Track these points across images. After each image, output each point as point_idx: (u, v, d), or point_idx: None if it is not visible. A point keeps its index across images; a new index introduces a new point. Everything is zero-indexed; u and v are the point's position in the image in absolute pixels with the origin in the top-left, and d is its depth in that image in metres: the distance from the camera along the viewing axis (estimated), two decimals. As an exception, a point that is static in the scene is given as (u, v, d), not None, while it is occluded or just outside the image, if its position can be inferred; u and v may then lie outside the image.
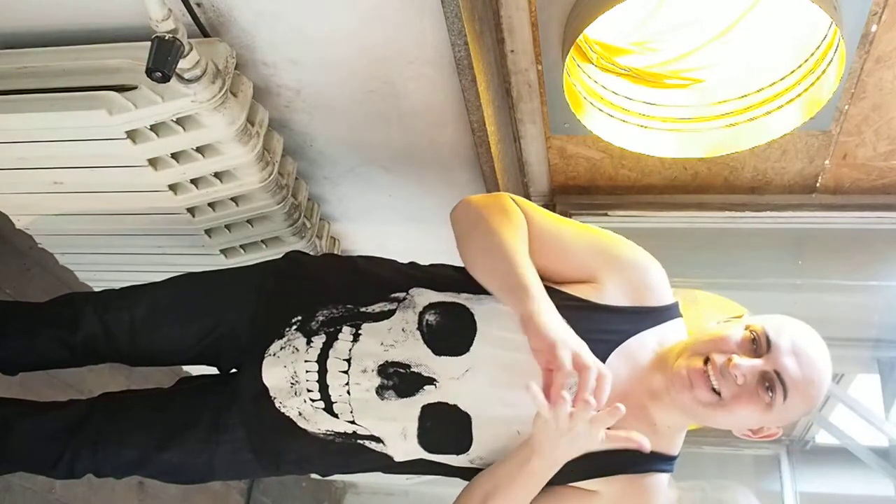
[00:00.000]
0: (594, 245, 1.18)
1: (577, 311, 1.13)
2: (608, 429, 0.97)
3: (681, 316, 1.18)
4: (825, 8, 1.20)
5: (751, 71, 1.53)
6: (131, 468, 1.28)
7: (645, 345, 1.13)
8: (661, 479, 1.14)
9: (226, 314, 1.27)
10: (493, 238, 1.09)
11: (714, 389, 1.05)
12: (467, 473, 1.18)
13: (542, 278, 1.18)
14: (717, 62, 1.54)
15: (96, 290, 1.91)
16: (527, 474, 1.05)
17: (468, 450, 1.13)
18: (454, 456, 1.15)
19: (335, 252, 2.00)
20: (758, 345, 1.04)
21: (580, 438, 0.97)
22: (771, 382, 1.02)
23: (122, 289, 1.36)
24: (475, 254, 1.12)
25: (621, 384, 1.11)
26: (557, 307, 1.13)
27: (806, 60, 1.45)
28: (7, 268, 1.98)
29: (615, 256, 1.17)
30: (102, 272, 1.86)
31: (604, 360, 1.11)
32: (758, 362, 1.03)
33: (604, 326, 1.12)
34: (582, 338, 1.11)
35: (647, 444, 0.97)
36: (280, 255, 1.37)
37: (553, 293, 1.16)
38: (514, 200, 1.18)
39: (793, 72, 1.48)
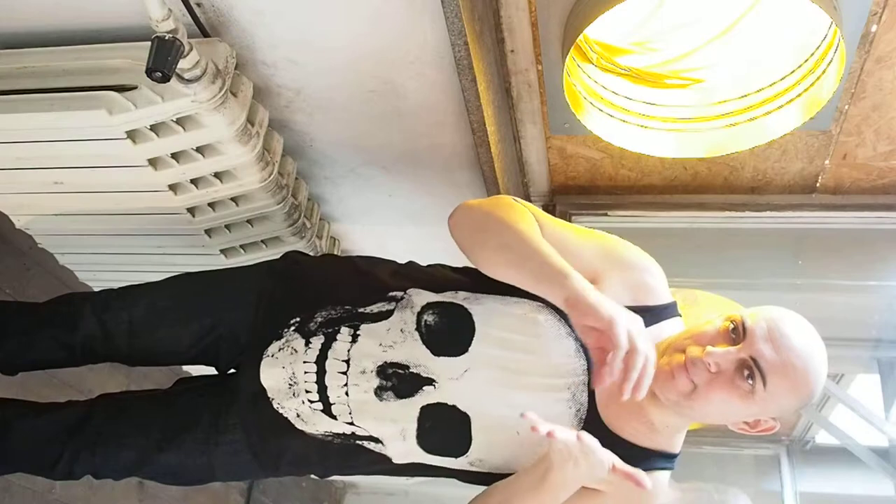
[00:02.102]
0: (596, 246, 1.18)
1: None
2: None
3: (679, 315, 1.18)
4: (825, 8, 1.20)
5: (751, 71, 1.53)
6: (130, 469, 1.28)
7: None
8: (661, 477, 1.14)
9: (225, 314, 1.27)
10: (508, 232, 1.08)
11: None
12: (467, 476, 1.18)
13: None
14: (717, 62, 1.54)
15: (96, 290, 1.91)
16: (543, 488, 1.05)
17: (467, 451, 1.13)
18: (453, 459, 1.15)
19: (335, 252, 2.00)
20: (736, 334, 1.04)
21: (595, 466, 0.98)
22: (749, 370, 1.01)
23: (121, 288, 1.36)
24: (492, 251, 1.10)
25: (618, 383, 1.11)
26: (557, 308, 1.13)
27: (806, 60, 1.45)
28: (7, 268, 1.98)
29: (618, 257, 1.17)
30: (102, 272, 1.85)
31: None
32: (732, 350, 1.02)
33: None
34: (580, 338, 1.11)
35: (647, 483, 0.97)
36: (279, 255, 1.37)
37: None
38: (516, 200, 1.18)
39: (793, 72, 1.48)
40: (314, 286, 1.25)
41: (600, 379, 0.93)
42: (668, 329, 1.15)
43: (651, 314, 1.15)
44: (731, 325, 1.05)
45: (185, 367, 1.86)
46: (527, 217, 1.12)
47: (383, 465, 1.19)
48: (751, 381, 1.01)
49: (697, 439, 3.07)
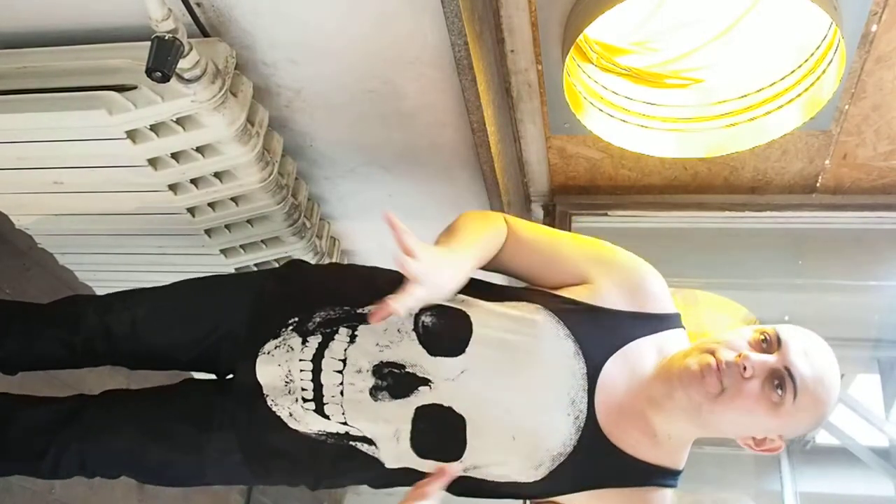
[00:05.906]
0: (590, 250, 1.19)
1: (575, 314, 1.13)
2: None
3: (683, 327, 1.16)
4: (825, 8, 1.20)
5: (751, 71, 1.53)
6: (119, 464, 1.26)
7: (643, 352, 1.12)
8: (663, 495, 1.11)
9: (226, 317, 1.27)
10: (467, 224, 1.19)
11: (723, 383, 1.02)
12: (462, 481, 1.16)
13: (540, 286, 1.19)
14: (717, 62, 1.54)
15: (96, 289, 1.91)
16: None
17: (461, 456, 1.11)
18: (446, 464, 1.13)
19: (335, 251, 2.00)
20: (768, 344, 1.03)
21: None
22: (781, 380, 1.00)
23: (125, 291, 1.36)
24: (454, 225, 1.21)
25: (619, 390, 1.10)
26: (555, 310, 1.13)
27: (806, 60, 1.45)
28: (7, 268, 1.98)
29: (611, 261, 1.17)
30: (102, 272, 1.86)
31: (601, 364, 1.10)
32: (770, 357, 1.01)
33: (602, 328, 1.12)
34: (580, 340, 1.11)
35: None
36: (281, 256, 1.38)
37: (550, 297, 1.16)
38: (505, 219, 1.22)
39: (793, 72, 1.48)
40: (314, 287, 1.25)
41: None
42: (671, 340, 1.13)
43: (652, 322, 1.14)
44: (763, 337, 1.04)
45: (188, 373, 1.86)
46: (492, 222, 1.21)
47: (375, 472, 1.16)
48: (780, 391, 1.00)
49: (697, 439, 3.06)
